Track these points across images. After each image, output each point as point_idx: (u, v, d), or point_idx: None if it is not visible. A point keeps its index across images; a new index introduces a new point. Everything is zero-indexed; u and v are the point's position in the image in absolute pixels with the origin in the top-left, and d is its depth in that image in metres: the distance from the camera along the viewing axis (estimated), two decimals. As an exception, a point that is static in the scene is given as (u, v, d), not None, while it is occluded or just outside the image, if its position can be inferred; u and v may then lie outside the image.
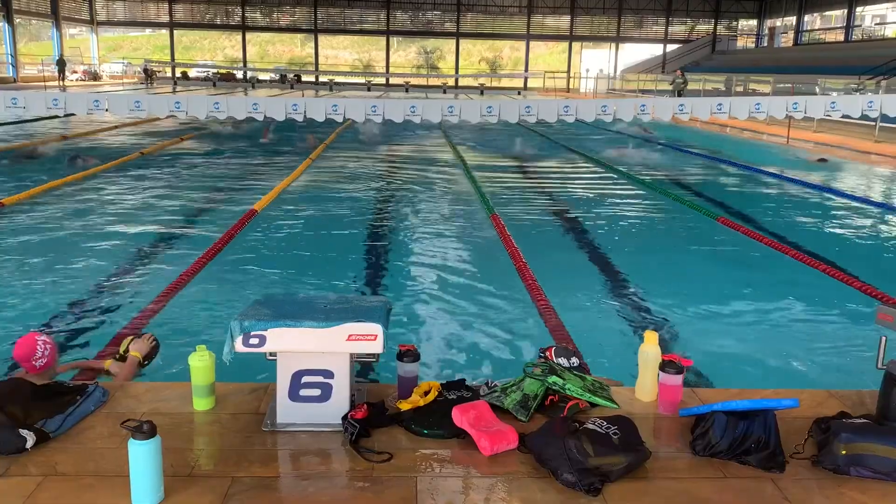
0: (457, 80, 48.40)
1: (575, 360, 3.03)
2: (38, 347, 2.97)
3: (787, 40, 45.96)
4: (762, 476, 2.28)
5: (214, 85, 41.12)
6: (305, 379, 2.52)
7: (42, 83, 33.21)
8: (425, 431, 2.50)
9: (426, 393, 2.65)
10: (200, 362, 2.63)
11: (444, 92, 40.21)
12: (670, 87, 25.70)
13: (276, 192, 9.56)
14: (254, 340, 2.44)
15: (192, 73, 49.47)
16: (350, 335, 2.44)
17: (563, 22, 50.83)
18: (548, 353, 3.06)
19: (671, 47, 50.06)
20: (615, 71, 49.43)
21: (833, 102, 9.60)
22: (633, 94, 33.26)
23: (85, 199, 8.93)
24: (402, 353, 2.74)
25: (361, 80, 47.98)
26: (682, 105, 9.00)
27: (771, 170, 12.31)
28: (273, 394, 2.63)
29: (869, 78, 23.05)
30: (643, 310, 5.37)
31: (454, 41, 51.97)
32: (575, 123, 10.49)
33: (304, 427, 2.52)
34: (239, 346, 2.44)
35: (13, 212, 8.12)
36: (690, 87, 26.30)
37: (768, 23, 48.97)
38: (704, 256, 7.05)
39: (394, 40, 53.47)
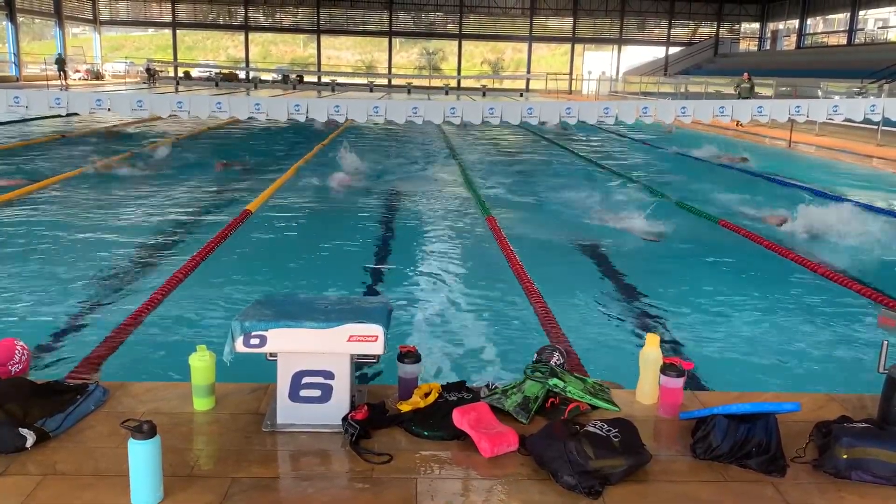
0: (459, 82, 48.45)
1: (559, 359, 3.03)
2: (17, 353, 2.94)
3: (789, 43, 45.98)
4: (763, 480, 2.27)
5: (217, 85, 41.17)
6: (306, 379, 2.52)
7: (45, 82, 33.26)
8: (425, 433, 2.49)
9: (426, 394, 2.65)
10: (201, 362, 2.62)
11: (447, 93, 40.23)
12: (735, 92, 21.70)
13: (271, 191, 9.58)
14: (254, 341, 2.43)
15: (195, 72, 49.58)
16: (351, 336, 2.44)
17: (565, 24, 50.90)
18: (543, 356, 3.06)
19: (673, 50, 50.11)
20: (617, 73, 49.45)
21: (835, 106, 9.58)
22: (635, 97, 33.25)
23: (78, 198, 8.94)
24: (402, 354, 2.74)
25: (364, 81, 48.02)
26: (684, 108, 8.99)
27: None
28: (273, 394, 2.62)
29: (871, 81, 23.06)
30: (644, 312, 5.36)
31: (457, 42, 52.03)
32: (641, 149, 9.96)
33: (304, 428, 2.51)
34: (239, 347, 2.44)
35: (4, 211, 8.14)
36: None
37: (771, 26, 49.00)
38: (705, 259, 7.04)
39: (396, 41, 53.53)
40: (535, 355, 3.10)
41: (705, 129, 19.11)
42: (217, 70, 49.43)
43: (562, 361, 3.02)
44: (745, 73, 21.80)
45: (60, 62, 36.78)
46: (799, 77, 26.11)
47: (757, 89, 22.05)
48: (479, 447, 2.37)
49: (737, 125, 18.68)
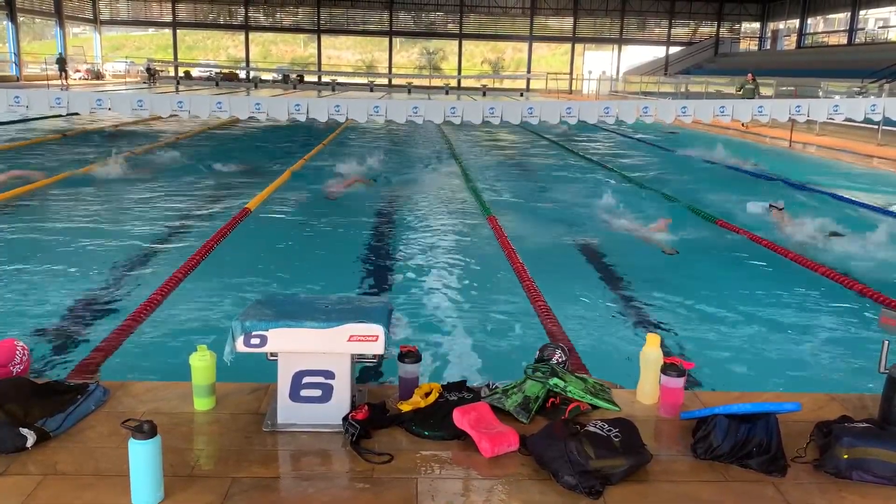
0: (459, 82, 48.43)
1: (561, 356, 3.02)
2: (17, 353, 2.95)
3: (789, 43, 45.98)
4: (763, 480, 2.27)
5: (217, 85, 41.18)
6: (306, 379, 2.52)
7: (45, 82, 33.26)
8: (426, 433, 2.49)
9: (427, 394, 2.65)
10: (201, 362, 2.62)
11: (447, 93, 40.23)
12: (738, 93, 20.66)
13: (271, 189, 9.58)
14: (255, 340, 2.44)
15: (195, 72, 49.59)
16: (351, 336, 2.44)
17: (565, 23, 50.88)
18: (545, 354, 3.06)
19: (674, 49, 50.10)
20: (618, 73, 49.45)
21: (836, 105, 9.55)
22: (635, 96, 33.24)
23: (78, 198, 8.94)
24: (403, 354, 2.74)
25: (364, 80, 48.02)
26: (684, 107, 8.97)
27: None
28: (273, 394, 2.62)
29: (872, 81, 23.06)
30: (644, 312, 5.36)
31: (457, 42, 52.02)
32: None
33: (304, 427, 2.51)
34: (240, 346, 2.44)
35: (4, 210, 8.16)
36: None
37: (771, 25, 49.00)
38: (705, 259, 7.03)
39: (397, 41, 53.51)
40: (538, 353, 3.10)
41: (711, 130, 19.08)
42: (217, 70, 49.46)
43: (564, 360, 3.01)
44: (750, 74, 21.12)
45: (62, 62, 36.79)
46: (799, 77, 26.09)
47: (739, 87, 21.10)
48: (480, 447, 2.37)
49: (743, 126, 18.59)
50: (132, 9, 50.63)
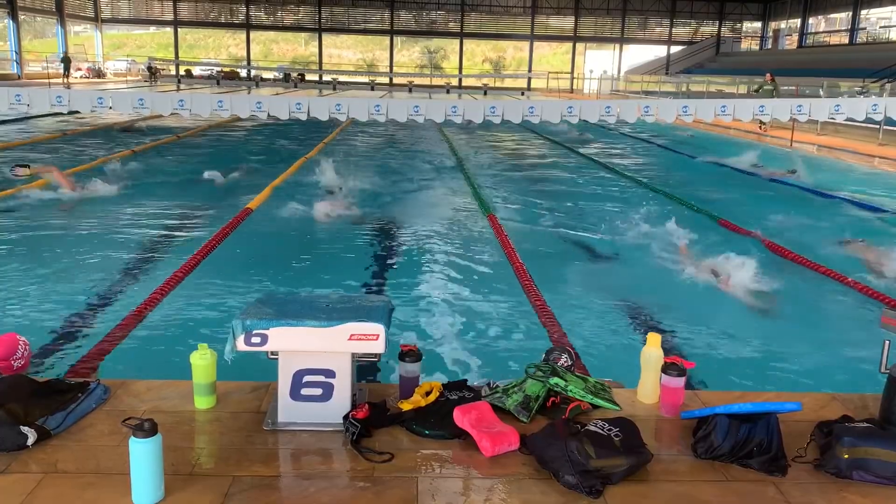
0: (460, 81, 48.44)
1: (567, 360, 3.02)
2: (19, 348, 2.95)
3: (791, 42, 45.96)
4: (764, 479, 2.27)
5: (218, 83, 41.19)
6: (307, 378, 2.52)
7: (46, 80, 33.27)
8: (426, 432, 2.49)
9: (427, 393, 2.64)
10: (202, 360, 2.62)
11: (448, 92, 40.22)
12: (756, 93, 20.00)
13: (273, 189, 9.58)
14: (256, 339, 2.43)
15: (196, 71, 49.62)
16: (352, 335, 2.44)
17: (566, 22, 50.87)
18: (551, 357, 3.05)
19: (675, 49, 50.08)
20: (619, 72, 49.43)
21: (837, 105, 9.53)
22: (636, 96, 33.22)
23: (79, 195, 8.94)
24: (403, 353, 2.73)
25: (365, 79, 48.02)
26: (685, 106, 8.95)
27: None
28: (274, 393, 2.62)
29: (873, 81, 23.04)
30: (645, 312, 5.36)
31: (458, 41, 52.03)
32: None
33: (305, 426, 2.51)
34: (241, 345, 2.44)
35: (7, 207, 8.16)
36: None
37: (772, 25, 48.98)
38: (706, 258, 7.02)
39: (397, 40, 53.49)
40: (544, 356, 3.09)
41: (724, 133, 19.04)
42: (218, 68, 49.47)
43: (570, 364, 3.01)
44: (768, 74, 20.18)
45: (67, 61, 36.82)
46: (801, 76, 26.08)
47: (757, 87, 20.46)
48: (480, 446, 2.37)
49: (759, 127, 18.52)
50: (133, 7, 50.67)
